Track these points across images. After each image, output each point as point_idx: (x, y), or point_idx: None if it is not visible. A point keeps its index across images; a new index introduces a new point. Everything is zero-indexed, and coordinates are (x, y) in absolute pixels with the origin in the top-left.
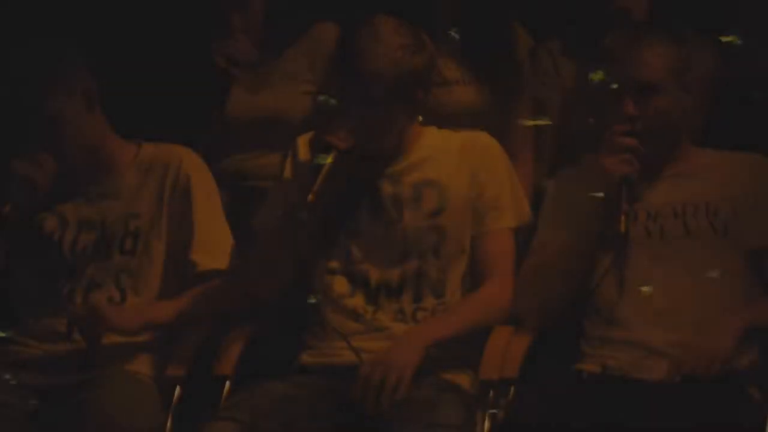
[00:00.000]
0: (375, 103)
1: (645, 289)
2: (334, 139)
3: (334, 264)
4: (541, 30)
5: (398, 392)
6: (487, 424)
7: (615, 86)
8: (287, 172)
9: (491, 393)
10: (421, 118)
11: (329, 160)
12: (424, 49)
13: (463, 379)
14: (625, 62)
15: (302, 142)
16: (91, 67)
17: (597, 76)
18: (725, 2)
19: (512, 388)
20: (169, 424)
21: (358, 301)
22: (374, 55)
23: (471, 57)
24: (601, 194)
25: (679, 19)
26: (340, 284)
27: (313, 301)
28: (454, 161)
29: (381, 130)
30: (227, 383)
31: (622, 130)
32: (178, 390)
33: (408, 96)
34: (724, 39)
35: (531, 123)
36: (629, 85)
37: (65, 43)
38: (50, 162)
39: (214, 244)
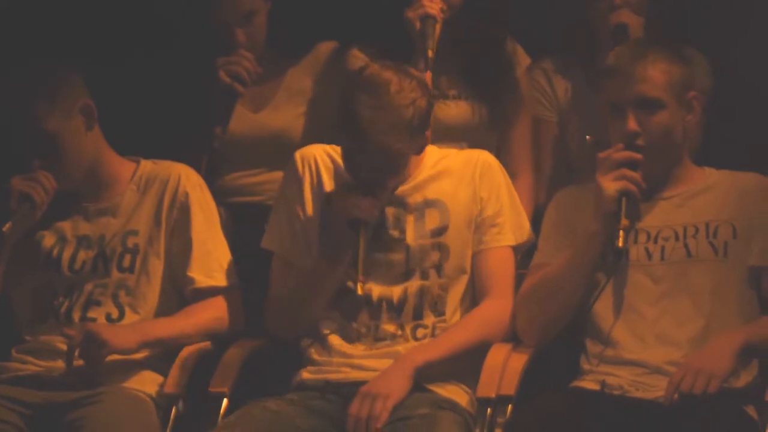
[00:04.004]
0: (392, 166)
1: (644, 309)
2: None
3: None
4: (536, 48)
5: (380, 421)
6: None
7: (617, 102)
8: (290, 192)
9: (489, 411)
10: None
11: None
12: (425, 94)
13: (461, 397)
14: (628, 78)
15: (299, 158)
16: (90, 85)
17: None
18: (718, 19)
19: (510, 406)
20: None
21: (361, 318)
22: (385, 128)
23: (468, 74)
24: (600, 212)
25: (673, 35)
26: (344, 303)
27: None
28: (455, 180)
29: (397, 177)
30: (225, 400)
31: (619, 148)
32: (175, 407)
33: (418, 139)
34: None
35: (530, 140)
36: (631, 100)
37: (64, 62)
38: (50, 180)
39: (212, 261)
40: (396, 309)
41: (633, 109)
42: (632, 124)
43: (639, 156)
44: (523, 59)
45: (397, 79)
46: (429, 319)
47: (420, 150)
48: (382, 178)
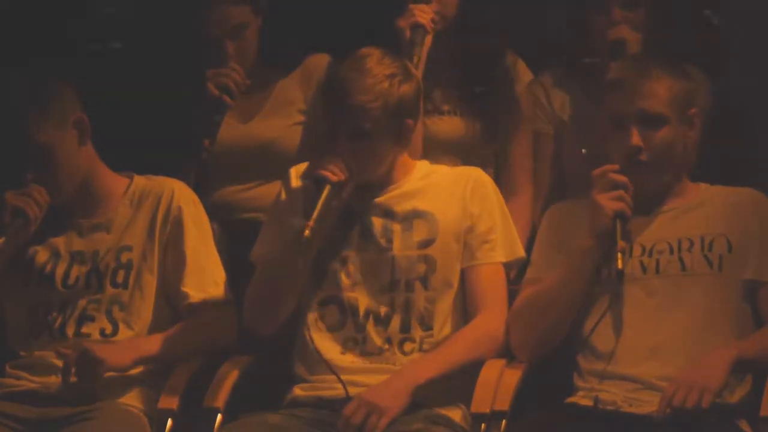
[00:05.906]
0: (365, 135)
1: (638, 323)
2: (327, 173)
3: (325, 293)
4: (535, 63)
5: None
6: None
7: (619, 117)
8: (281, 205)
9: (483, 426)
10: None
11: (324, 193)
12: (410, 78)
13: (455, 413)
14: (631, 93)
15: (294, 174)
16: (83, 99)
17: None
18: (713, 35)
19: (504, 421)
20: None
21: (347, 332)
22: (360, 88)
23: (463, 89)
24: (594, 230)
25: (670, 51)
26: (331, 314)
27: (304, 332)
28: (446, 194)
29: (372, 161)
30: (219, 416)
31: (614, 168)
32: (169, 423)
33: (397, 126)
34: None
35: (531, 158)
36: (635, 115)
37: (56, 75)
38: (42, 194)
39: (205, 276)
40: (383, 322)
41: (636, 125)
42: (636, 139)
43: (630, 185)
44: (525, 75)
45: (381, 55)
46: (417, 333)
47: (399, 139)
48: (357, 145)
